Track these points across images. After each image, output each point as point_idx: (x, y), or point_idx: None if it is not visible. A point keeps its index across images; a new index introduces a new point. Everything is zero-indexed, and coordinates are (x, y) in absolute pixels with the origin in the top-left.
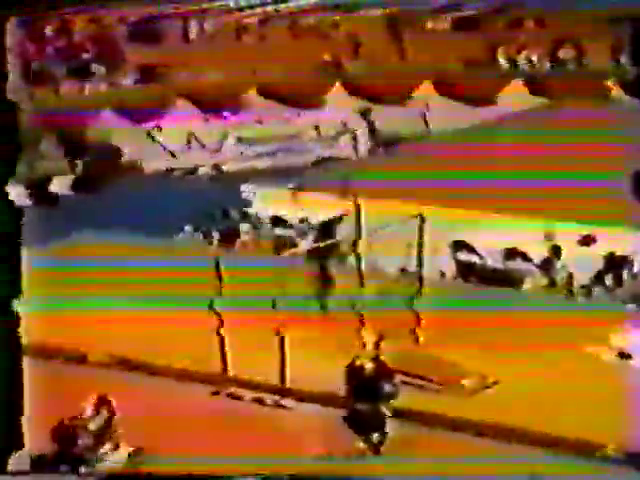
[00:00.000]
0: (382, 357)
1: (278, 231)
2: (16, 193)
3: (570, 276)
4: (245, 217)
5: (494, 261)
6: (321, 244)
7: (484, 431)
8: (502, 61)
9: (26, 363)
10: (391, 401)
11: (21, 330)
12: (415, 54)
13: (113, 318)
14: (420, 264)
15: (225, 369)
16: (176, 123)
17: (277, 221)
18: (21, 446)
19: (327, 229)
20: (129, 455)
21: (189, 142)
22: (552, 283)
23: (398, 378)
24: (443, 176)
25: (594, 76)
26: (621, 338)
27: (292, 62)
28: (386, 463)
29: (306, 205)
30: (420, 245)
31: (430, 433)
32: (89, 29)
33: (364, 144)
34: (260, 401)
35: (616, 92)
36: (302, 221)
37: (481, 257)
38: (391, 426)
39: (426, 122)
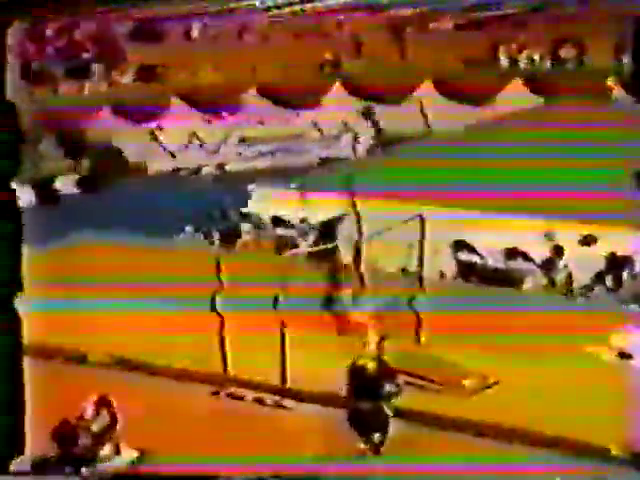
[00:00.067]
0: (384, 357)
1: (279, 231)
2: (17, 192)
3: (571, 276)
4: (246, 217)
5: (495, 261)
6: (322, 246)
7: (484, 431)
8: (503, 60)
9: (26, 363)
10: (392, 400)
11: (21, 330)
12: (416, 54)
13: (113, 318)
14: (421, 264)
15: (225, 369)
16: (176, 123)
17: (278, 221)
18: (22, 446)
19: (328, 229)
20: (129, 455)
21: (190, 142)
22: (553, 283)
23: (400, 378)
24: (443, 176)
25: (595, 75)
26: (621, 338)
27: (293, 62)
28: (386, 463)
29: (308, 205)
30: (421, 245)
31: (430, 433)
32: (90, 29)
33: (364, 144)
34: (260, 401)
35: (617, 91)
36: (303, 221)
37: (482, 257)
38: (392, 426)
39: (426, 121)
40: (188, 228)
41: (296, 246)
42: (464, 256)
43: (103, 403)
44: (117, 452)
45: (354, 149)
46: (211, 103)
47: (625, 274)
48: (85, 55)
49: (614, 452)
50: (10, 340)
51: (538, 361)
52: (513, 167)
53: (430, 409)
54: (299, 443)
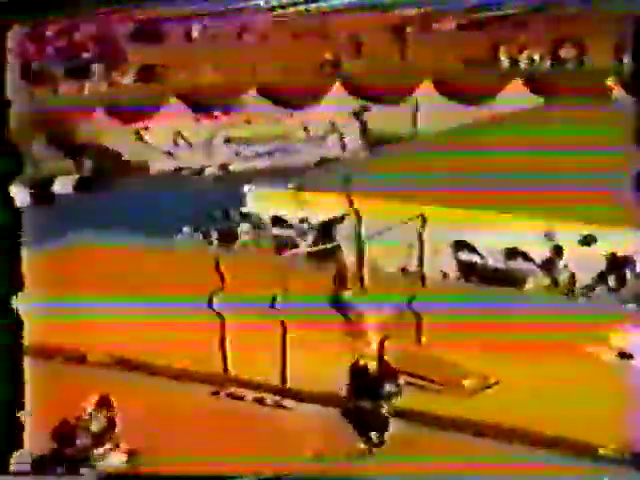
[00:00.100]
0: (386, 357)
1: (278, 231)
2: (17, 192)
3: (572, 276)
4: (245, 217)
5: (495, 261)
6: (321, 246)
7: (484, 431)
8: (503, 60)
9: (26, 363)
10: (392, 401)
11: (21, 330)
12: (416, 54)
13: (113, 318)
14: (421, 264)
15: (225, 369)
16: (175, 123)
17: (277, 221)
18: (21, 446)
19: (327, 229)
20: (129, 455)
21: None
22: (553, 283)
23: (401, 378)
24: (443, 176)
25: (595, 75)
26: (621, 338)
27: (292, 62)
28: (386, 463)
29: (306, 205)
30: (421, 245)
31: (430, 433)
32: (90, 30)
33: (358, 144)
34: (260, 401)
35: (617, 91)
36: (302, 221)
37: (482, 257)
38: (392, 426)
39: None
40: (186, 228)
41: (296, 246)
42: (464, 256)
43: (103, 403)
44: (116, 452)
45: (343, 149)
46: (211, 103)
47: (626, 274)
48: (85, 55)
49: (614, 452)
50: (10, 340)
51: (538, 361)
52: (513, 167)
53: (430, 409)
54: (299, 443)
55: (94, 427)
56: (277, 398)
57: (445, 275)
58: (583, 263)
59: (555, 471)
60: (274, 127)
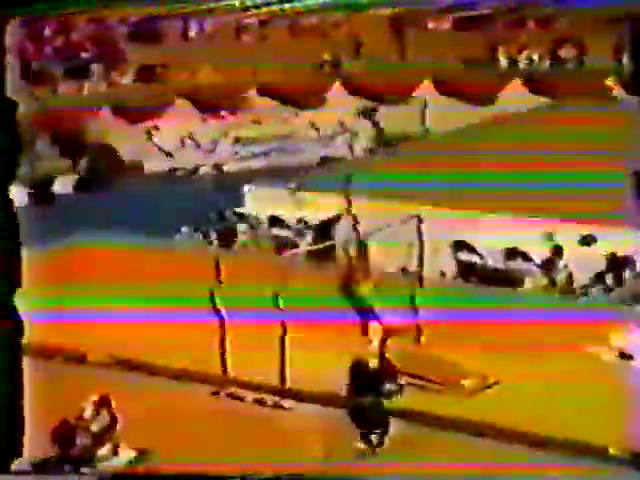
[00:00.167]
0: (387, 356)
1: (276, 231)
2: (16, 193)
3: (571, 276)
4: (242, 218)
5: (495, 261)
6: (321, 245)
7: (484, 431)
8: (502, 60)
9: (26, 363)
10: (393, 399)
11: (21, 330)
12: (416, 53)
13: (113, 318)
14: (421, 264)
15: (225, 369)
16: (174, 123)
17: (275, 221)
18: (21, 446)
19: (326, 229)
20: (128, 455)
21: (183, 142)
22: (553, 283)
23: (401, 377)
24: (443, 176)
25: (595, 75)
26: (621, 338)
27: (292, 61)
28: (386, 463)
29: (305, 205)
30: (420, 245)
31: (430, 433)
32: (89, 29)
33: (362, 144)
34: (260, 402)
35: (617, 91)
36: (300, 221)
37: (482, 257)
38: (392, 426)
39: (425, 121)
40: (185, 228)
41: (295, 246)
42: (464, 256)
43: (103, 403)
44: (116, 452)
45: (351, 149)
46: (211, 103)
47: (625, 274)
48: (84, 55)
49: (614, 452)
50: (10, 340)
51: (538, 361)
52: (513, 167)
53: (430, 409)
54: (299, 443)
55: (94, 427)
56: (277, 398)
57: (444, 275)
58: (583, 263)
59: (555, 471)
60: (279, 127)
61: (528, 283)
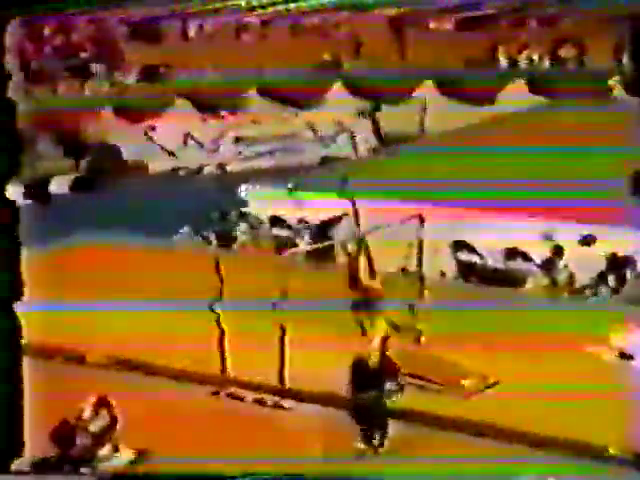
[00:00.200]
0: (387, 355)
1: (277, 231)
2: (16, 192)
3: (571, 276)
4: (243, 217)
5: (495, 261)
6: (320, 245)
7: (484, 431)
8: (503, 60)
9: (26, 363)
10: (393, 397)
11: (21, 330)
12: (416, 53)
13: (113, 318)
14: (421, 264)
15: (225, 369)
16: (174, 123)
17: (275, 221)
18: (21, 446)
19: (326, 229)
20: (128, 455)
21: (185, 142)
22: (553, 283)
23: (402, 375)
24: (443, 176)
25: (595, 75)
26: (621, 338)
27: (293, 61)
28: (386, 463)
29: (305, 205)
30: (421, 245)
31: (430, 433)
32: (89, 29)
33: (365, 144)
34: (260, 402)
35: (617, 91)
36: (301, 221)
37: (482, 257)
38: (392, 426)
39: (424, 122)
40: (185, 228)
41: (295, 246)
42: (464, 256)
43: (102, 403)
44: (116, 452)
45: (355, 149)
46: (211, 103)
47: (625, 274)
48: (84, 55)
49: (614, 452)
50: (10, 340)
51: (538, 361)
52: (513, 167)
53: (430, 409)
54: (299, 443)
55: (94, 427)
56: (277, 398)
57: (444, 275)
58: (583, 263)
59: (555, 471)
60: (279, 127)
61: (528, 283)
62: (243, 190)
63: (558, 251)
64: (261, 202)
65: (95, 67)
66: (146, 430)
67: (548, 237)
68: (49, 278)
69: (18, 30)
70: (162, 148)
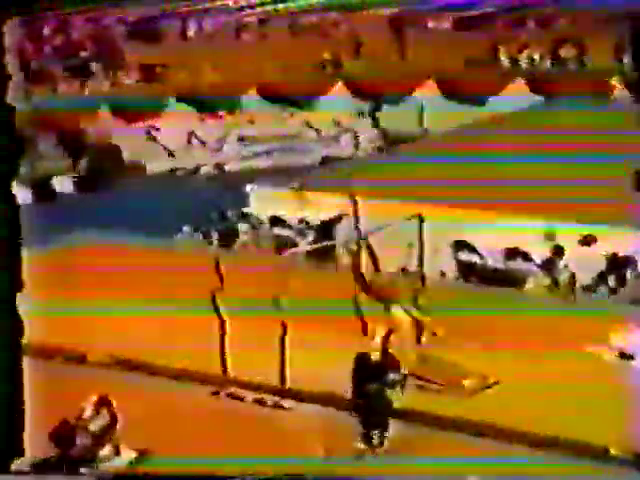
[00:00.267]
0: (390, 350)
1: (278, 231)
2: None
3: (571, 276)
4: (244, 217)
5: (495, 261)
6: (321, 245)
7: (484, 431)
8: (503, 60)
9: (26, 363)
10: (397, 389)
11: (21, 330)
12: (416, 53)
13: (113, 318)
14: (421, 264)
15: (225, 369)
16: (175, 123)
17: (276, 221)
18: (21, 446)
19: (326, 228)
20: (128, 456)
21: (189, 141)
22: (553, 283)
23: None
24: (443, 176)
25: (595, 75)
26: (621, 338)
27: (292, 61)
28: (386, 463)
29: (307, 205)
30: (421, 245)
31: (430, 433)
32: (88, 28)
33: (366, 143)
34: (260, 402)
35: (618, 91)
36: (302, 221)
37: (482, 257)
38: (392, 426)
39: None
40: (186, 228)
41: (295, 245)
42: (464, 256)
43: (103, 403)
44: (117, 452)
45: (356, 148)
46: (211, 103)
47: (625, 274)
48: (83, 54)
49: (614, 452)
50: (10, 340)
51: (538, 361)
52: (513, 167)
53: (430, 409)
54: (299, 443)
55: (94, 427)
56: (277, 398)
57: (444, 275)
58: (583, 263)
59: (555, 471)
60: (279, 127)
61: (528, 283)
62: (249, 189)
63: (558, 251)
64: (262, 202)
65: (94, 67)
66: (146, 430)
67: (549, 237)
68: (49, 278)
69: (17, 30)
70: (164, 148)
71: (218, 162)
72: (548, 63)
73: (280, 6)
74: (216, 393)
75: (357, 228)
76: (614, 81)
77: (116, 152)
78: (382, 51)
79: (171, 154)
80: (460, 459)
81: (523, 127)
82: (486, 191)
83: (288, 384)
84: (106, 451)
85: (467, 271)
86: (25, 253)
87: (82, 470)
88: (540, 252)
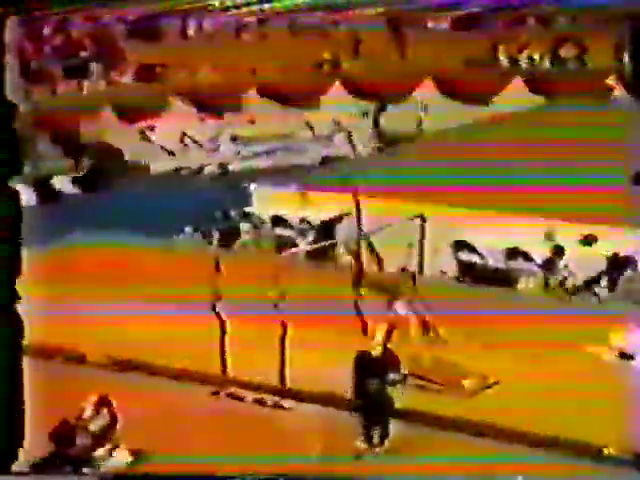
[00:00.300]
0: (390, 346)
1: (279, 231)
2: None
3: (572, 276)
4: (246, 217)
5: (495, 261)
6: (321, 244)
7: (484, 431)
8: (503, 59)
9: (26, 363)
10: (397, 386)
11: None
12: (415, 53)
13: (113, 318)
14: (421, 264)
15: (225, 369)
16: (175, 122)
17: (277, 221)
18: (21, 446)
19: (327, 228)
20: (128, 456)
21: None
22: (554, 283)
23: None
24: (443, 176)
25: (595, 75)
26: (621, 338)
27: (291, 61)
28: (386, 463)
29: (308, 204)
30: (421, 245)
31: (430, 433)
32: (88, 28)
33: (364, 143)
34: (260, 402)
35: (618, 91)
36: (302, 221)
37: (482, 257)
38: (392, 426)
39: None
40: (187, 228)
41: (295, 245)
42: (464, 256)
43: (103, 403)
44: (116, 452)
45: (354, 148)
46: (210, 103)
47: (625, 274)
48: (83, 54)
49: (614, 452)
50: (10, 340)
51: (538, 361)
52: (514, 167)
53: (430, 409)
54: (299, 443)
55: (94, 427)
56: (277, 398)
57: (444, 275)
58: (583, 263)
59: (555, 471)
60: (279, 126)
61: (529, 283)
62: (252, 189)
63: (558, 251)
64: (263, 202)
65: (94, 66)
66: (146, 430)
67: (549, 237)
68: (49, 278)
69: (17, 29)
70: (162, 148)
71: (222, 162)
72: (548, 63)
73: (265, 6)
74: (216, 393)
75: (359, 228)
76: (614, 81)
77: (116, 152)
78: (381, 51)
79: (171, 153)
80: (460, 459)
81: (523, 127)
82: (486, 191)
83: (288, 384)
84: (106, 451)
85: (467, 271)
86: (25, 253)
87: (82, 470)
88: (540, 252)
